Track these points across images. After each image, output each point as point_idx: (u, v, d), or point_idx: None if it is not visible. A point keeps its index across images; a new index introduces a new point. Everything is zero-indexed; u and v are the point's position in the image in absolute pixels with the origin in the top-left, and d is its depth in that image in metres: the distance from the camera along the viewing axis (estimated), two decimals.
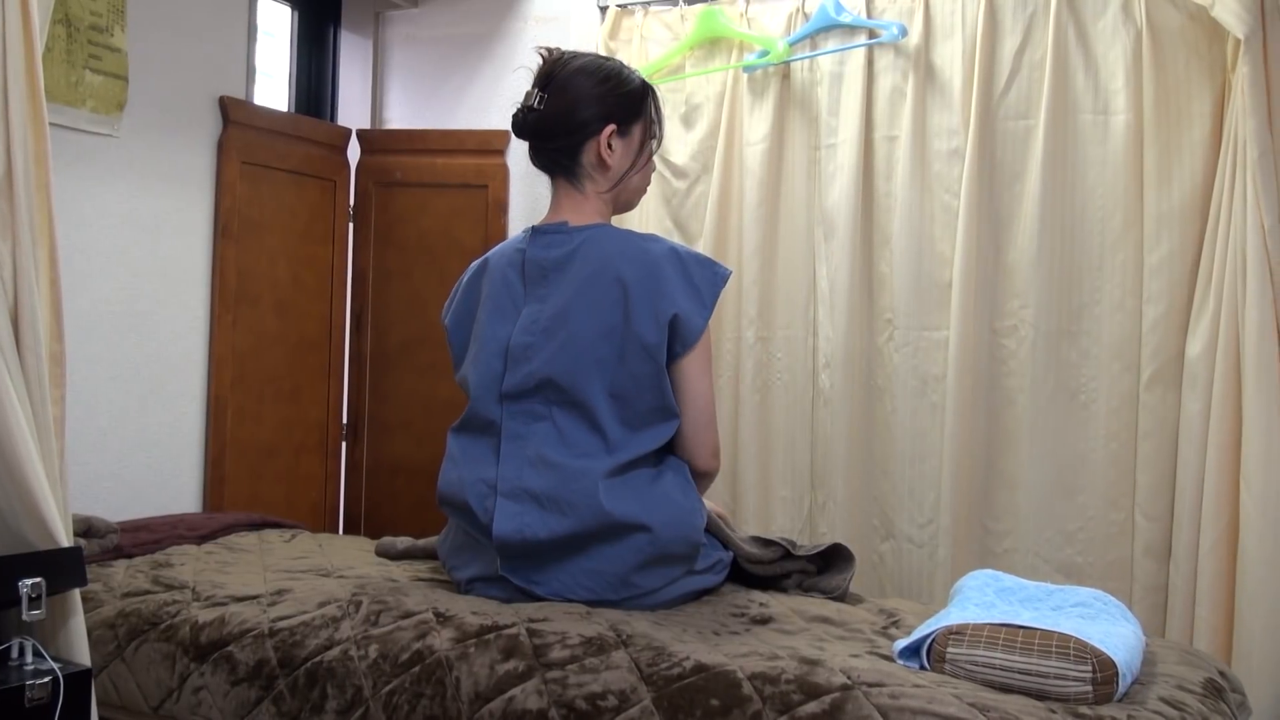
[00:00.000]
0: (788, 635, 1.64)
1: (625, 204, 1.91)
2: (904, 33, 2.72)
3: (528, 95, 1.83)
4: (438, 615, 1.63)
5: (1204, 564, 2.34)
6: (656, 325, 1.72)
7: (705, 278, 1.77)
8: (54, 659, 1.47)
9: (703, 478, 1.84)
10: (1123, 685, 1.38)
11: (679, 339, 1.74)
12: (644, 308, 1.72)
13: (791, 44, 2.85)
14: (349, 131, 3.23)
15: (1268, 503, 2.25)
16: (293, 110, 3.25)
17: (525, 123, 1.83)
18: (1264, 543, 2.25)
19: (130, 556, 2.12)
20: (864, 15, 2.78)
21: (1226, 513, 2.32)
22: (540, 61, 1.85)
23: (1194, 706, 1.43)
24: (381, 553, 2.23)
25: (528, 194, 3.13)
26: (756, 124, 2.89)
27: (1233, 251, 2.33)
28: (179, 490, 2.72)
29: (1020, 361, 2.61)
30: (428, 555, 2.16)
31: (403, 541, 2.24)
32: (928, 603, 2.41)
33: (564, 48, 1.89)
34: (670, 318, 1.72)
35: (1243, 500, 2.29)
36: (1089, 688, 1.36)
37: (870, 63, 2.79)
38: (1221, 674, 1.62)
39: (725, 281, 1.79)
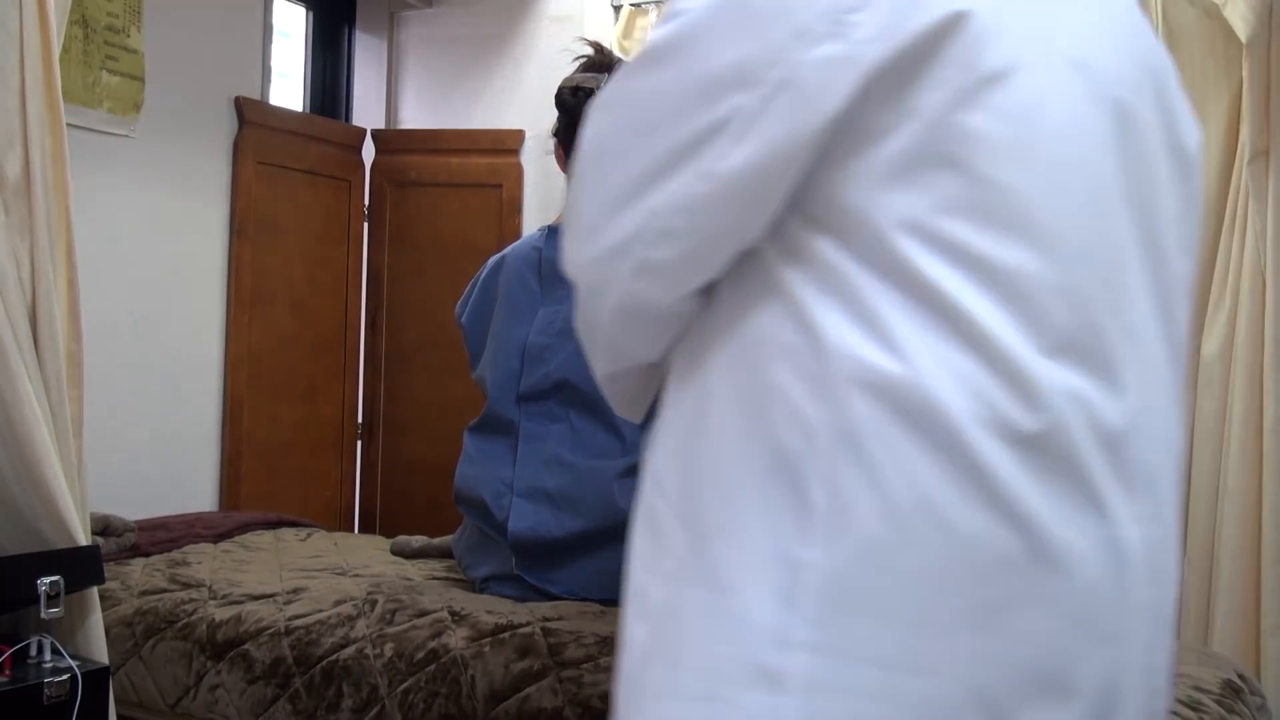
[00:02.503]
0: None
1: None
2: None
3: (586, 79, 1.76)
4: (453, 614, 1.63)
5: (1222, 565, 2.32)
6: None
7: None
8: (72, 657, 1.47)
9: None
10: None
11: None
12: None
13: None
14: (364, 131, 3.24)
15: None
16: (308, 110, 3.26)
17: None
18: None
19: (147, 555, 2.13)
20: None
21: (1251, 514, 2.29)
22: (591, 51, 1.81)
23: (1212, 708, 1.42)
24: (396, 551, 2.24)
25: (542, 193, 3.13)
26: None
27: (1250, 251, 2.31)
28: (196, 489, 2.74)
29: None
30: (443, 554, 2.16)
31: (418, 540, 2.25)
32: None
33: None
34: None
35: (1265, 500, 2.27)
36: None
37: None
38: (1240, 676, 1.61)
39: None
